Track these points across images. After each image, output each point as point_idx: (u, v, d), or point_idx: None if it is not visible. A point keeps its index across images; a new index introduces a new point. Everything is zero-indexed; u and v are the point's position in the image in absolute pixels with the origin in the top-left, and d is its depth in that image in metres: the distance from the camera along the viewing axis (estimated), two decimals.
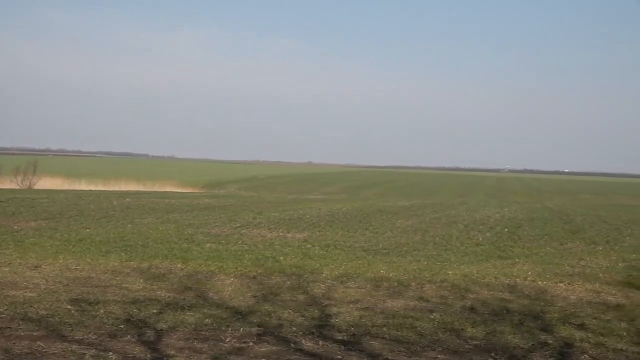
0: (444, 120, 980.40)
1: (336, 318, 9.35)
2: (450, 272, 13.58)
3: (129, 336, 8.10)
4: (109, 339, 7.94)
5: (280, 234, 20.46)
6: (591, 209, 40.90)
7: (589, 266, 15.04)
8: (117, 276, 12.15)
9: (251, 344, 7.97)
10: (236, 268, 13.31)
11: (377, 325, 8.96)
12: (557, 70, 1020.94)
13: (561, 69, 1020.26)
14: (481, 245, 18.83)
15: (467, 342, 8.28)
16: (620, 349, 8.11)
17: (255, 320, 9.05)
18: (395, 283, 12.16)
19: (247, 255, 15.20)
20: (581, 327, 9.19)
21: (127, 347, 7.66)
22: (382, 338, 8.36)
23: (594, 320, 9.60)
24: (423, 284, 12.18)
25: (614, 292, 12.02)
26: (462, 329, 8.86)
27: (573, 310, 10.32)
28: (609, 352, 7.98)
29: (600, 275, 13.82)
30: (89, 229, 20.16)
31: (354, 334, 8.49)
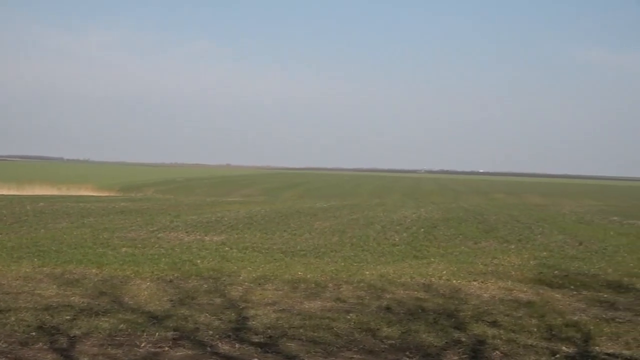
0: (360, 121, 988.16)
1: (253, 320, 9.33)
2: (367, 272, 13.70)
3: (41, 343, 7.92)
4: (20, 347, 7.76)
5: (198, 237, 20.27)
6: (504, 209, 41.84)
7: (502, 264, 15.41)
8: (29, 282, 11.85)
9: (167, 348, 7.89)
10: (152, 272, 13.15)
11: (294, 327, 8.99)
12: (473, 70, 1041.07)
13: (478, 69, 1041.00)
14: (398, 245, 19.04)
15: (382, 341, 8.37)
16: (531, 345, 8.32)
17: (171, 325, 8.97)
18: (313, 284, 12.21)
19: (163, 259, 15.02)
20: (493, 324, 9.40)
21: (39, 354, 7.50)
22: (299, 339, 8.38)
23: (505, 317, 9.84)
24: (340, 284, 12.26)
25: (525, 289, 12.34)
26: (378, 329, 8.96)
27: (486, 307, 10.55)
28: (519, 348, 8.18)
29: (513, 273, 14.18)
30: (0, 234, 19.60)
31: (270, 336, 8.49)
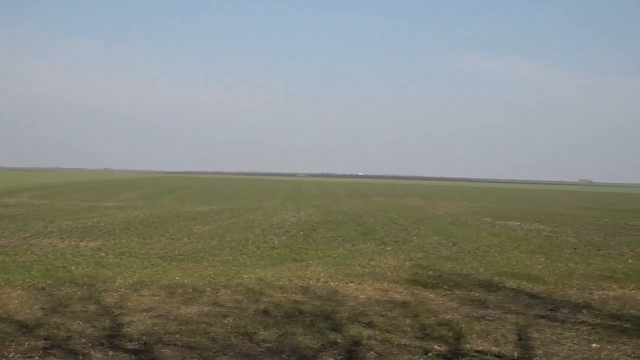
0: (240, 126, 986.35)
1: (128, 327, 9.14)
2: (246, 276, 13.68)
3: None
4: None
5: (73, 243, 19.70)
6: (383, 211, 42.52)
7: (379, 266, 15.69)
8: None
9: (37, 358, 7.62)
10: (24, 280, 12.69)
11: (170, 333, 8.86)
12: (352, 75, 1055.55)
13: (357, 74, 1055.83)
14: (277, 248, 19.08)
15: (259, 345, 8.36)
16: (404, 344, 8.49)
17: (42, 333, 8.67)
18: (190, 289, 12.08)
19: (36, 266, 14.53)
20: (369, 325, 9.54)
21: None
22: (175, 345, 8.27)
23: (381, 318, 10.00)
24: (218, 289, 12.19)
25: (400, 290, 12.60)
26: (255, 332, 8.94)
27: (362, 309, 10.70)
28: (393, 347, 8.33)
29: (389, 274, 14.45)
30: None
31: (145, 343, 8.33)
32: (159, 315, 9.97)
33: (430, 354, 8.07)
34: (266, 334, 8.90)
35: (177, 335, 8.71)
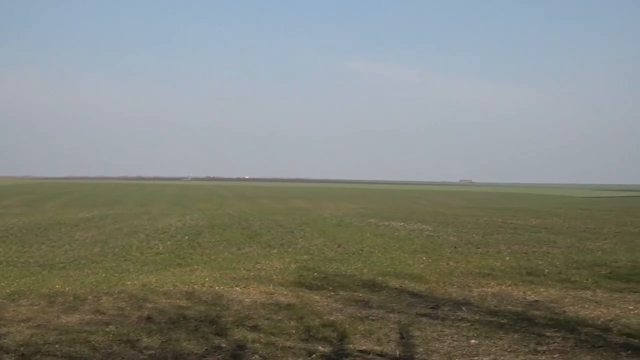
0: (125, 129, 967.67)
1: (5, 339, 8.83)
2: (129, 282, 13.46)
3: None
4: None
5: None
6: (268, 214, 42.55)
7: (264, 269, 15.72)
8: None
9: None
10: None
11: (49, 343, 8.61)
12: (234, 78, 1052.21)
13: (251, 74, 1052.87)
14: (161, 254, 18.85)
15: (142, 352, 8.23)
16: (289, 347, 8.53)
17: None
18: (71, 297, 11.78)
19: None
20: (254, 328, 9.54)
21: None
22: (54, 355, 8.04)
23: (266, 321, 10.01)
24: (100, 296, 11.93)
25: (285, 292, 12.65)
26: (137, 340, 8.80)
27: (247, 312, 10.69)
28: (278, 350, 8.36)
29: (274, 277, 14.50)
30: None
31: (23, 354, 8.07)
32: (38, 325, 9.68)
33: (314, 356, 8.14)
34: (149, 340, 8.77)
35: (57, 345, 8.48)
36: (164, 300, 11.63)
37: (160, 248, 20.41)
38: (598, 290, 13.09)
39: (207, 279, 13.93)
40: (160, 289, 12.71)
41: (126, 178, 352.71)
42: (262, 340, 8.84)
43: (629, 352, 8.34)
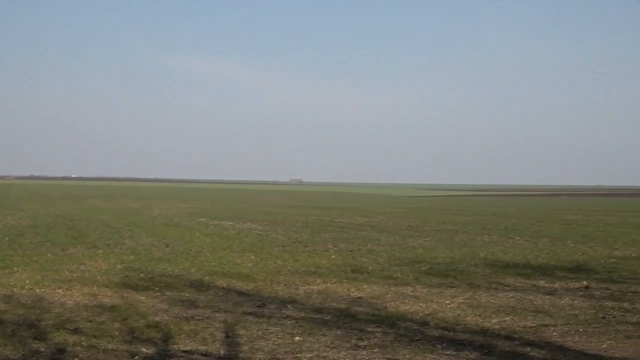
0: None
1: None
2: None
3: None
4: None
5: None
6: (96, 214, 41.44)
7: (89, 270, 15.34)
8: None
9: None
10: None
11: None
12: (70, 74, 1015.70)
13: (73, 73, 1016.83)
14: None
15: None
16: (111, 349, 8.39)
17: None
18: None
19: None
20: (76, 331, 9.30)
21: None
22: None
23: (88, 324, 9.78)
24: None
25: (110, 293, 12.42)
26: None
27: (69, 315, 10.40)
28: (100, 353, 8.19)
29: (99, 278, 14.19)
30: None
31: None
32: None
33: (136, 357, 8.06)
34: None
35: None
36: None
37: None
38: (418, 286, 13.72)
39: (27, 282, 13.42)
40: None
41: None
42: (83, 343, 8.64)
43: (444, 344, 8.81)
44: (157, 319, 10.25)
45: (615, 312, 11.11)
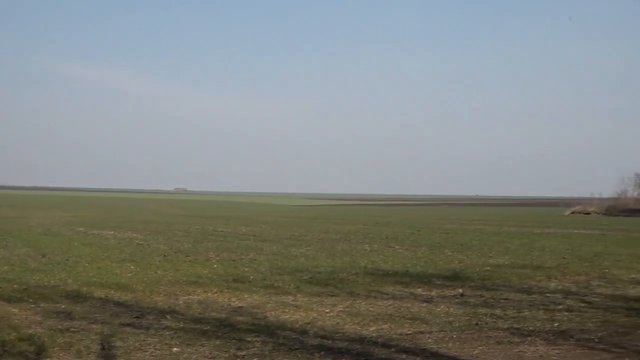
0: None
1: None
2: None
3: None
4: None
5: None
6: None
7: None
8: None
9: None
10: None
11: None
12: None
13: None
14: None
15: None
16: None
17: None
18: None
19: None
20: None
21: None
22: None
23: None
24: None
25: None
26: None
27: None
28: None
29: None
30: None
31: None
32: None
33: None
34: None
35: None
36: None
37: None
38: (299, 295, 13.82)
39: None
40: None
41: None
42: None
43: (322, 353, 8.92)
44: (30, 331, 9.94)
45: (487, 319, 11.52)
